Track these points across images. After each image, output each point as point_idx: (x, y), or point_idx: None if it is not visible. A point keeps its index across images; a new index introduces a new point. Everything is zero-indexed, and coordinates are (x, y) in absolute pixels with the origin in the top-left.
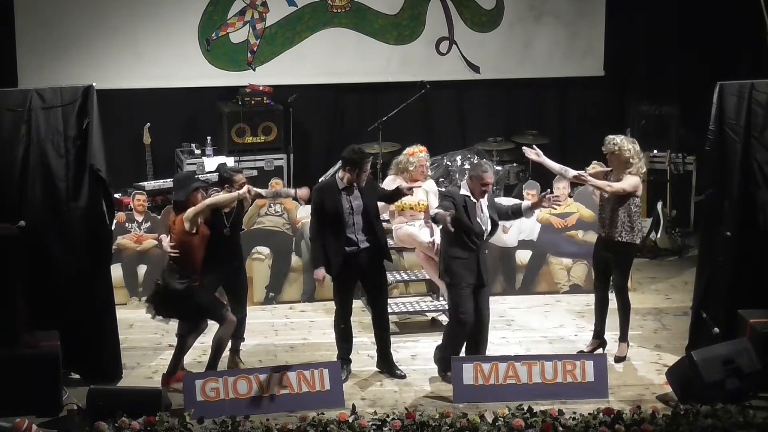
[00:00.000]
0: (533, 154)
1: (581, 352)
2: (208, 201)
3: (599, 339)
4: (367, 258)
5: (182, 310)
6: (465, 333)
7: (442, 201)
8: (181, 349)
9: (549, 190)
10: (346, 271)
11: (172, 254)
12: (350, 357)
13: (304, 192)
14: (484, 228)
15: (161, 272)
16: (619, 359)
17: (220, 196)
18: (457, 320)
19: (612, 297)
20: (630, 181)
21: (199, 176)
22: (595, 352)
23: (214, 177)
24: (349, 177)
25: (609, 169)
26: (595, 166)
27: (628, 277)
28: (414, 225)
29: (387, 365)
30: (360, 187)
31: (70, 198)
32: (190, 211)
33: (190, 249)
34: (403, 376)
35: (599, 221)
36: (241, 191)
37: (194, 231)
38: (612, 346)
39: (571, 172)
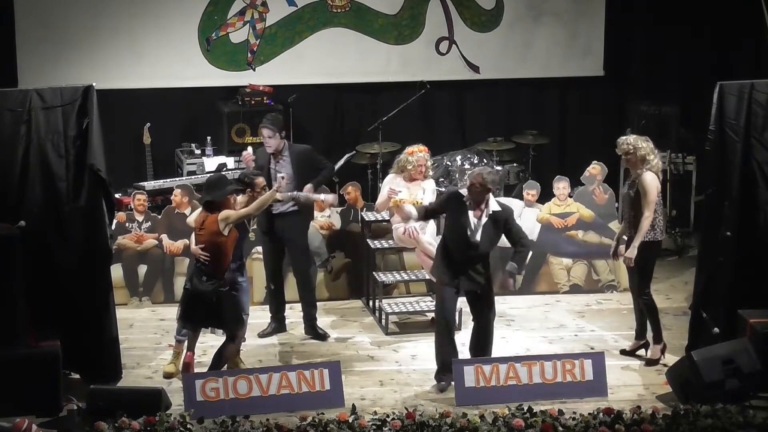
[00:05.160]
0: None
1: (623, 351)
2: (254, 208)
3: (640, 339)
4: (288, 224)
5: (211, 313)
6: (443, 333)
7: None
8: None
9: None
10: (269, 234)
11: (203, 257)
12: (281, 316)
13: (330, 198)
14: (470, 236)
15: (187, 278)
16: (650, 362)
17: (261, 199)
18: (434, 319)
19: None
20: (652, 193)
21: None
22: (636, 353)
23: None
24: None
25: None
26: (596, 166)
27: (650, 278)
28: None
29: (312, 330)
30: (291, 155)
31: (70, 198)
32: (233, 214)
33: (220, 250)
34: (326, 337)
35: (625, 222)
36: (275, 187)
37: (226, 233)
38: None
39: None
